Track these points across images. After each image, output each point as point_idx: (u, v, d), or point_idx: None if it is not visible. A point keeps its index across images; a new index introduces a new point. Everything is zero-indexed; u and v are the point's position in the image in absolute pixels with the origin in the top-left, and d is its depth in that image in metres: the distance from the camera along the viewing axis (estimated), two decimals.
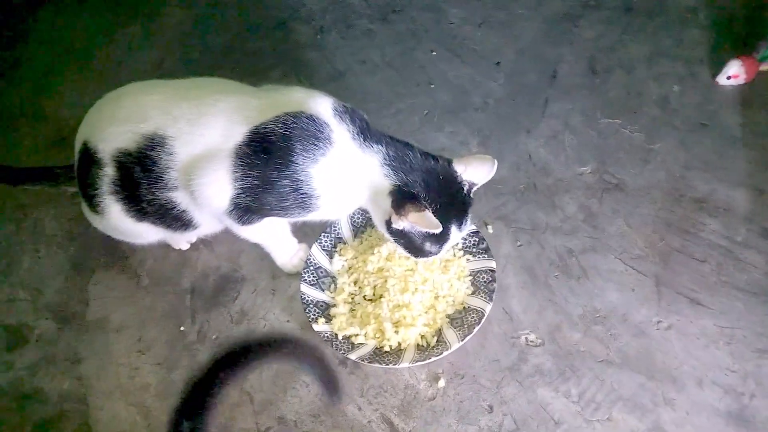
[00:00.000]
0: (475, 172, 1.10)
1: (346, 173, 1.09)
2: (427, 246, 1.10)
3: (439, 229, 1.03)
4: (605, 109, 1.53)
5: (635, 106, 1.52)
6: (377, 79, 1.70)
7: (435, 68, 1.70)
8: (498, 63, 1.68)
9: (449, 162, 1.10)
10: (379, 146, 1.08)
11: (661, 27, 1.69)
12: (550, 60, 1.66)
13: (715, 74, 1.53)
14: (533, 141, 1.49)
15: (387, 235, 1.13)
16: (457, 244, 1.25)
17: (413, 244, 1.10)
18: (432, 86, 1.66)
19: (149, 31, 1.92)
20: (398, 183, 1.07)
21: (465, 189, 1.11)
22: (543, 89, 1.60)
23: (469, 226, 1.14)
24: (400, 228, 1.08)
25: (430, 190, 1.07)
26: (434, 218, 1.03)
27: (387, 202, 1.08)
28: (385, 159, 1.08)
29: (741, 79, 1.51)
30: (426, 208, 1.05)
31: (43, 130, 1.67)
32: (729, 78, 1.51)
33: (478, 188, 1.12)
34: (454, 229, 1.10)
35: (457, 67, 1.69)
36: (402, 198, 1.06)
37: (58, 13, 2.02)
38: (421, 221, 1.04)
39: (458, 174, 1.10)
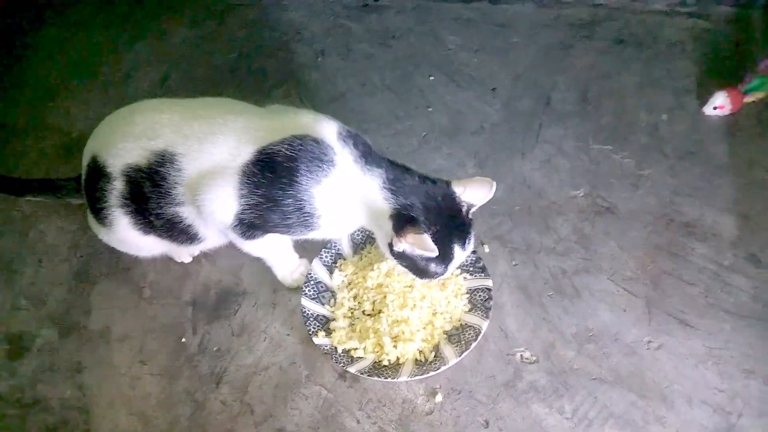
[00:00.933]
0: (473, 193, 1.14)
1: (347, 195, 1.12)
2: (432, 267, 1.13)
3: (434, 253, 1.06)
4: (597, 135, 1.58)
5: (626, 134, 1.58)
6: (377, 100, 1.75)
7: (433, 92, 1.75)
8: (494, 89, 1.74)
9: (448, 184, 1.14)
10: (380, 170, 1.12)
11: (650, 58, 1.76)
12: (545, 87, 1.72)
13: (702, 105, 1.60)
14: (528, 164, 1.54)
15: (390, 257, 1.16)
16: None
17: (417, 266, 1.13)
18: (430, 109, 1.71)
19: (155, 49, 1.96)
20: (398, 206, 1.10)
21: (464, 210, 1.14)
22: (537, 115, 1.65)
23: (472, 245, 1.17)
24: (401, 250, 1.11)
25: (430, 213, 1.10)
26: (431, 242, 1.06)
27: (388, 225, 1.11)
28: (385, 183, 1.11)
29: (727, 110, 1.57)
30: (425, 231, 1.08)
31: (48, 143, 1.69)
32: (715, 108, 1.58)
33: (476, 209, 1.16)
34: (457, 248, 1.13)
35: (454, 92, 1.75)
36: (402, 221, 1.09)
37: (64, 30, 2.05)
38: (418, 244, 1.07)
39: (457, 195, 1.13)
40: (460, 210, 1.13)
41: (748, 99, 1.59)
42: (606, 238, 1.37)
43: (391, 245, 1.12)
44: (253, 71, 1.87)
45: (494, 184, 1.14)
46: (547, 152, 1.57)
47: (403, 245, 1.09)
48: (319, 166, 1.09)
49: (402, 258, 1.13)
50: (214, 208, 1.13)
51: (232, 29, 2.01)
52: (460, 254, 1.14)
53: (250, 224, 1.14)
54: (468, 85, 1.77)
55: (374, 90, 1.78)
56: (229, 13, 2.06)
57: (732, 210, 1.40)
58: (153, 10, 2.10)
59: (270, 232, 1.17)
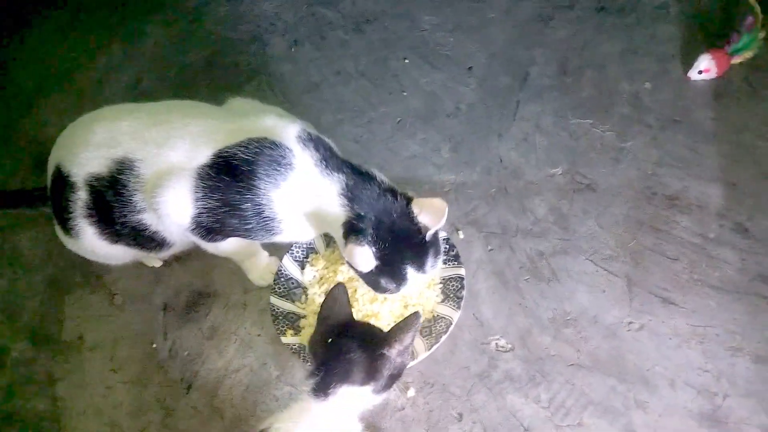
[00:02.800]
0: (428, 216, 1.07)
1: (307, 199, 1.09)
2: (383, 282, 1.09)
3: (365, 269, 1.03)
4: (576, 109, 1.52)
5: (607, 105, 1.51)
6: (351, 89, 1.70)
7: (408, 76, 1.70)
8: (470, 68, 1.68)
9: (409, 201, 1.08)
10: (340, 175, 1.08)
11: (632, 24, 1.68)
12: (522, 62, 1.66)
13: (686, 70, 1.52)
14: (504, 144, 1.48)
15: (347, 265, 1.13)
16: None
17: (370, 277, 1.09)
18: (405, 94, 1.66)
19: (128, 52, 1.94)
20: (351, 215, 1.06)
21: (422, 232, 1.07)
22: (514, 92, 1.59)
23: (434, 269, 1.11)
24: (346, 260, 1.08)
25: (381, 228, 1.05)
26: (364, 257, 1.02)
27: (341, 232, 1.07)
28: (343, 189, 1.07)
29: (713, 74, 1.49)
30: (366, 244, 1.03)
31: (23, 153, 1.69)
32: (700, 73, 1.50)
33: (432, 233, 1.08)
34: (410, 270, 1.07)
35: (430, 74, 1.69)
36: (350, 231, 1.05)
37: (42, 36, 2.04)
38: (351, 256, 1.03)
39: (414, 215, 1.07)
40: (417, 230, 1.07)
41: (735, 60, 1.50)
42: (585, 217, 1.32)
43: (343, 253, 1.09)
44: (226, 66, 1.83)
45: (446, 210, 1.05)
46: (524, 130, 1.51)
47: (345, 255, 1.06)
48: (277, 170, 1.06)
49: (353, 266, 1.10)
50: (169, 210, 1.10)
51: (205, 26, 1.98)
52: (416, 276, 1.08)
53: (209, 228, 1.12)
54: (444, 65, 1.71)
55: (348, 78, 1.74)
56: (202, 11, 2.02)
57: (718, 179, 1.33)
58: (128, 13, 2.07)
59: (231, 236, 1.15)
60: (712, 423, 1.03)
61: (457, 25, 1.80)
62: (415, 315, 0.94)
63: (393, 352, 0.92)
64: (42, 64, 1.95)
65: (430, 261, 1.08)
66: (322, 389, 0.87)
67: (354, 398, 0.90)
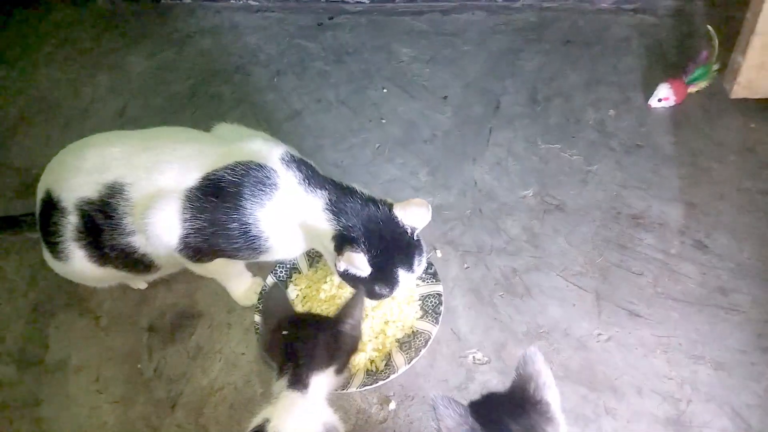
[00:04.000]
0: (412, 216, 1.13)
1: (292, 216, 1.13)
2: (377, 288, 1.13)
3: (365, 273, 1.08)
4: (546, 135, 1.61)
5: (574, 131, 1.60)
6: (332, 116, 1.77)
7: (386, 104, 1.78)
8: (445, 97, 1.77)
9: (390, 207, 1.13)
10: (323, 192, 1.13)
11: (597, 56, 1.79)
12: (495, 92, 1.75)
13: (647, 98, 1.62)
14: (479, 168, 1.56)
15: (338, 278, 1.17)
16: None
17: (365, 286, 1.13)
18: (383, 121, 1.73)
19: (114, 81, 1.99)
20: (340, 227, 1.11)
21: (408, 233, 1.13)
22: (488, 120, 1.68)
23: (421, 267, 1.16)
24: (342, 270, 1.12)
25: (371, 235, 1.10)
26: (363, 261, 1.07)
27: (331, 246, 1.12)
28: (328, 204, 1.12)
29: (671, 101, 1.60)
30: (361, 251, 1.08)
31: (8, 180, 1.71)
32: (660, 101, 1.60)
33: (419, 232, 1.14)
34: (401, 272, 1.12)
35: (407, 103, 1.77)
36: (342, 242, 1.10)
37: (25, 67, 2.08)
38: (351, 263, 1.08)
39: (399, 219, 1.12)
40: (404, 233, 1.13)
41: (692, 89, 1.61)
42: (555, 235, 1.39)
43: (336, 265, 1.13)
44: (210, 96, 1.89)
45: (429, 207, 1.12)
46: (497, 155, 1.59)
47: (342, 264, 1.10)
48: (263, 190, 1.11)
49: (347, 278, 1.14)
50: (158, 231, 1.14)
51: (189, 57, 2.04)
52: (407, 277, 1.14)
53: (197, 248, 1.16)
54: (420, 95, 1.79)
55: (329, 106, 1.81)
56: (186, 43, 2.09)
57: (678, 199, 1.41)
58: (113, 43, 2.13)
59: (218, 256, 1.19)
60: (677, 427, 1.08)
61: (433, 57, 1.90)
62: (359, 291, 1.05)
63: (347, 327, 0.99)
64: (26, 93, 1.99)
65: (417, 259, 1.14)
66: (299, 381, 0.91)
67: (325, 382, 0.94)
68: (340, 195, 1.13)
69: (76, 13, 2.26)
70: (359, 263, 1.07)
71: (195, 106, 1.86)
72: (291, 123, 1.77)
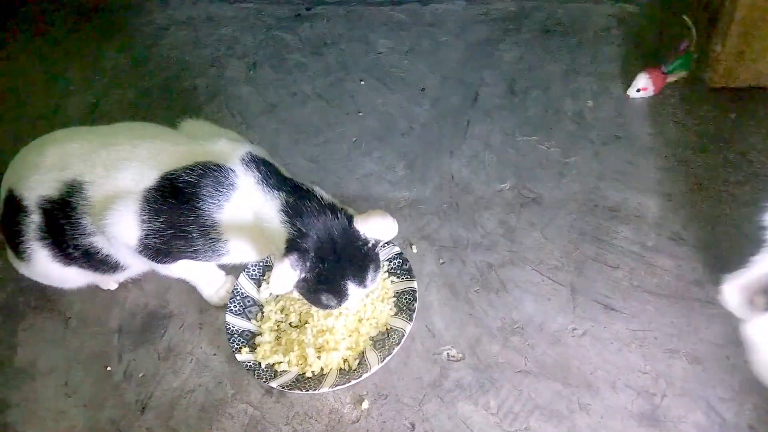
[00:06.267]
0: (374, 229, 1.08)
1: (250, 218, 1.09)
2: (324, 298, 1.09)
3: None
4: (523, 127, 1.58)
5: (552, 123, 1.58)
6: (308, 110, 1.74)
7: (364, 97, 1.75)
8: (423, 89, 1.74)
9: (350, 218, 1.08)
10: (280, 193, 1.08)
11: (576, 46, 1.77)
12: (473, 84, 1.72)
13: (626, 88, 1.60)
14: (456, 162, 1.54)
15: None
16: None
17: (309, 293, 1.10)
18: (360, 114, 1.70)
19: (86, 76, 1.95)
20: (293, 232, 1.05)
21: (367, 246, 1.08)
22: (465, 112, 1.65)
23: (375, 282, 1.11)
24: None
25: (322, 245, 1.05)
26: (285, 275, 1.01)
27: (284, 249, 1.06)
28: (283, 206, 1.07)
29: (650, 92, 1.58)
30: (298, 261, 1.03)
31: None
32: (639, 91, 1.58)
33: (381, 245, 1.11)
34: (351, 286, 1.07)
35: (385, 95, 1.74)
36: (289, 248, 1.04)
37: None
38: (280, 270, 1.02)
39: (358, 230, 1.07)
40: (361, 245, 1.08)
41: (671, 79, 1.59)
42: (531, 229, 1.37)
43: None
44: (185, 89, 1.86)
45: (393, 219, 1.07)
46: (474, 148, 1.56)
47: (277, 265, 1.04)
48: (220, 191, 1.08)
49: (297, 284, 1.08)
50: (116, 232, 1.11)
51: (163, 50, 2.00)
52: (357, 291, 1.09)
53: (157, 250, 1.13)
54: (398, 87, 1.77)
55: (306, 99, 1.78)
56: (160, 35, 2.05)
57: (655, 191, 1.40)
58: (85, 37, 2.09)
59: (180, 258, 1.16)
60: (651, 422, 1.08)
61: (411, 48, 1.87)
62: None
63: None
64: None
65: (370, 275, 1.09)
66: None
67: None
68: (297, 198, 1.08)
69: (48, 6, 2.21)
70: (284, 276, 1.02)
71: (169, 100, 1.83)
72: (266, 117, 1.74)
